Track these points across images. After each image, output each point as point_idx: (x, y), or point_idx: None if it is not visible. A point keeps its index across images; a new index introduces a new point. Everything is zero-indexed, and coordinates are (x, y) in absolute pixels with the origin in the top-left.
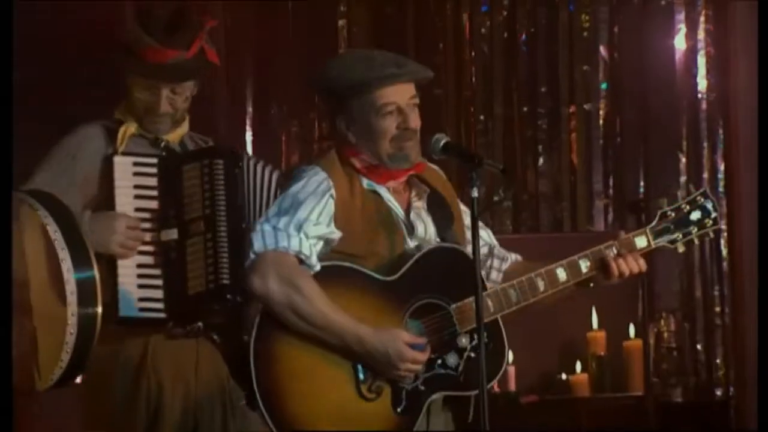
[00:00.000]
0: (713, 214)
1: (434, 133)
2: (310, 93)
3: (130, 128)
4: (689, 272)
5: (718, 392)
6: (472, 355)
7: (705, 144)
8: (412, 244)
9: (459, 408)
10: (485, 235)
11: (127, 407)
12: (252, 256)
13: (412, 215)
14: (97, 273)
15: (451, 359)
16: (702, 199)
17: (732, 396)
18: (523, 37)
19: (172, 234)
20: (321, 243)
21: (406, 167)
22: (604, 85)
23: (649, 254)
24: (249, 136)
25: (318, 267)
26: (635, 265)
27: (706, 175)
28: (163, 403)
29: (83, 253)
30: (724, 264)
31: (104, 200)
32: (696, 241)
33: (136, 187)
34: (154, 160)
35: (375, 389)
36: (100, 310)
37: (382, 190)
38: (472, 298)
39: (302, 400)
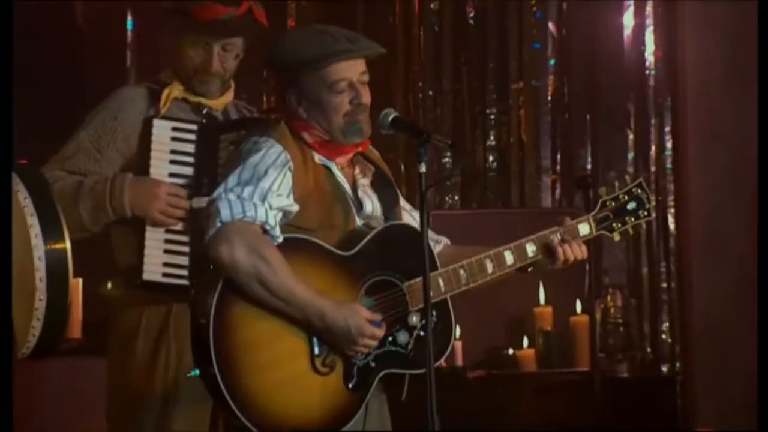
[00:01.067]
0: (647, 205)
1: (383, 108)
2: (258, 66)
3: (174, 90)
4: (636, 248)
5: (664, 368)
6: (422, 333)
7: (653, 120)
8: (359, 221)
9: (392, 386)
10: (412, 218)
11: (146, 372)
12: (218, 224)
13: (360, 192)
14: (68, 242)
15: (402, 337)
16: (638, 190)
17: (678, 371)
18: (472, 12)
19: (203, 202)
20: (281, 214)
21: (359, 140)
22: (552, 61)
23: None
24: None
25: (281, 238)
26: (579, 251)
27: (653, 151)
28: (182, 372)
29: (54, 220)
30: (671, 240)
31: (140, 162)
32: (630, 232)
33: (173, 152)
34: (194, 126)
35: (329, 363)
36: (71, 276)
37: (333, 166)
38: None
39: (257, 370)
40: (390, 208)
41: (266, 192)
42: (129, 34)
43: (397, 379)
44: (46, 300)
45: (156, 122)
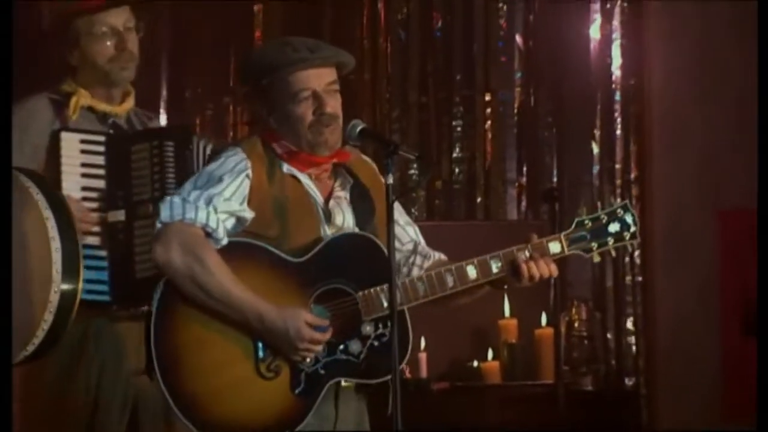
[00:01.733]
0: (632, 228)
1: (350, 119)
2: (224, 77)
3: (81, 98)
4: (601, 261)
5: (629, 381)
6: (375, 343)
7: (618, 133)
8: (329, 231)
9: (376, 398)
10: (412, 231)
11: (63, 388)
12: (158, 225)
13: (332, 203)
14: (81, 256)
15: (354, 346)
16: (622, 212)
17: (642, 384)
18: (439, 23)
19: (120, 215)
20: (233, 220)
21: (326, 154)
22: (519, 74)
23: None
24: (163, 120)
25: (225, 241)
26: (545, 269)
27: (618, 165)
28: (103, 385)
29: (66, 214)
30: (636, 253)
31: (51, 177)
32: (613, 253)
33: (84, 165)
34: (102, 138)
35: (274, 368)
36: (80, 286)
37: (303, 177)
38: (378, 287)
39: (199, 374)
40: (365, 222)
41: (213, 196)
42: None
43: (380, 392)
44: (60, 292)
45: (64, 135)
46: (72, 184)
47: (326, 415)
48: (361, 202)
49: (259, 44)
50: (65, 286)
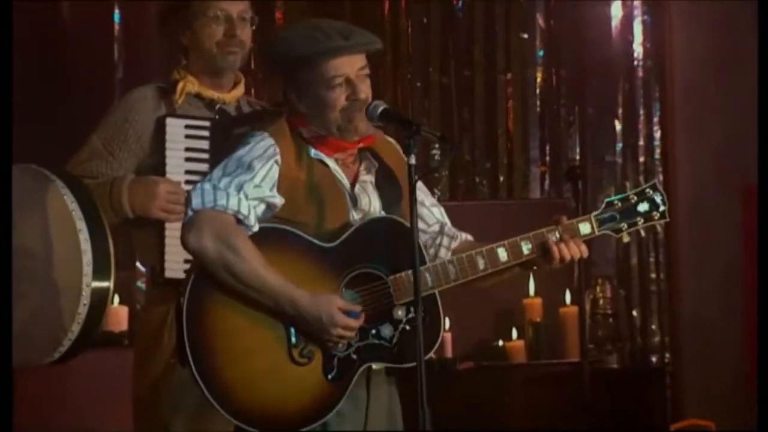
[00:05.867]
0: (662, 207)
1: (372, 100)
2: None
3: (188, 85)
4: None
5: (654, 358)
6: (407, 327)
7: (641, 111)
8: (356, 216)
9: (406, 380)
10: (437, 212)
11: (172, 366)
12: (189, 212)
13: (357, 188)
14: (112, 247)
15: (386, 330)
16: (651, 192)
17: (667, 362)
18: (460, 4)
19: None
20: (263, 206)
21: (355, 139)
22: (540, 53)
23: None
24: None
25: (256, 228)
26: (576, 250)
27: (641, 142)
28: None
29: (100, 226)
30: (660, 231)
31: (155, 162)
32: (643, 233)
33: (188, 149)
34: (207, 123)
35: (306, 354)
36: (112, 284)
37: (330, 161)
38: (409, 271)
39: (232, 360)
40: (392, 205)
41: (244, 182)
42: (116, 27)
43: (410, 373)
44: (89, 306)
45: (169, 120)
46: (175, 168)
47: (358, 398)
48: (387, 185)
49: (283, 27)
50: (97, 283)
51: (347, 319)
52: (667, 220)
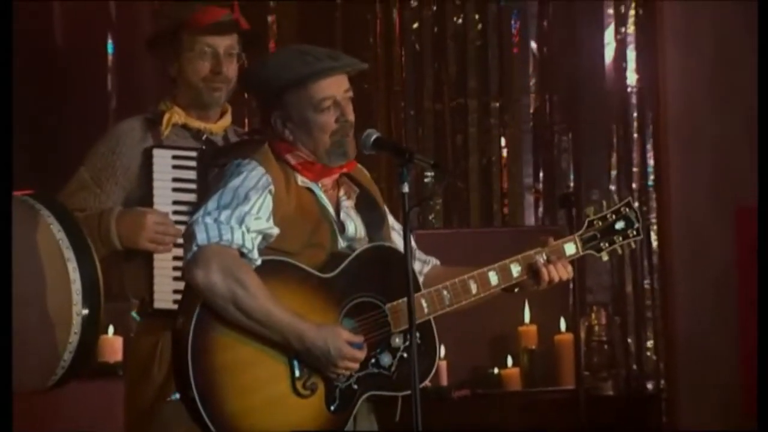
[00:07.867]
0: (636, 225)
1: (365, 129)
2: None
3: (174, 116)
4: (620, 266)
5: (649, 385)
6: (405, 355)
7: (635, 137)
8: (343, 243)
9: (384, 408)
10: (400, 238)
11: (162, 396)
12: (194, 248)
13: (342, 214)
14: (100, 274)
15: (385, 359)
16: (626, 210)
17: (662, 389)
18: (452, 31)
19: None
20: (260, 238)
21: (343, 162)
22: (533, 80)
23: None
24: None
25: (259, 261)
26: (564, 271)
27: (636, 169)
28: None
29: (88, 253)
30: (655, 257)
31: (143, 193)
32: (620, 251)
33: (175, 180)
34: (194, 153)
35: (310, 386)
36: (102, 312)
37: (316, 188)
38: (405, 299)
39: (236, 394)
40: (375, 230)
41: (244, 215)
42: (110, 57)
43: (389, 401)
44: (80, 334)
45: (156, 152)
46: (163, 199)
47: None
48: (368, 210)
49: (269, 55)
50: (84, 329)
51: (353, 351)
52: (641, 237)
